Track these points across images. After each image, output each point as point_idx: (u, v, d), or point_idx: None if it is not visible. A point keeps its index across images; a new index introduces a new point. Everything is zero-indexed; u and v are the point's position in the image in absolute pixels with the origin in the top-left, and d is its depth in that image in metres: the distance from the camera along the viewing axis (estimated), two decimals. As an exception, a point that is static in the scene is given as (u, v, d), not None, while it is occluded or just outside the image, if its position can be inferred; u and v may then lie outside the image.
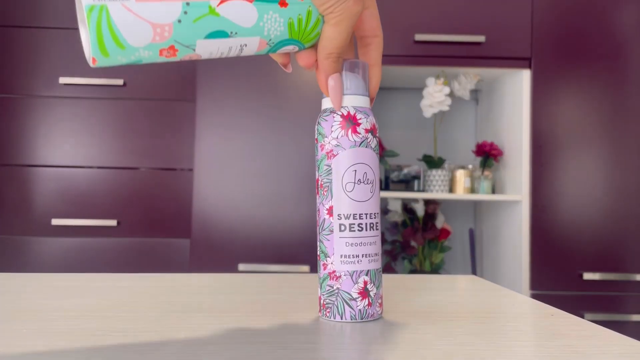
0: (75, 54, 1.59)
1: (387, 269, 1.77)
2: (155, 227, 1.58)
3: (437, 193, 1.63)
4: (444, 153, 1.93)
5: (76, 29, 1.60)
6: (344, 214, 0.40)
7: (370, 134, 0.41)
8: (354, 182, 0.40)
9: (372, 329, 0.38)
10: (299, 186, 1.55)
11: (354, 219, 0.40)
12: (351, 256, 0.40)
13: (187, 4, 0.34)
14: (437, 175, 1.66)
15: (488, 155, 1.70)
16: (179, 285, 0.57)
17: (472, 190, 1.68)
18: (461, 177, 1.66)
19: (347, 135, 0.40)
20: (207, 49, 0.37)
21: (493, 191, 1.76)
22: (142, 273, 0.73)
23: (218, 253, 1.53)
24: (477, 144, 1.74)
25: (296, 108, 1.57)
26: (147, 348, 0.33)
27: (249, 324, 0.40)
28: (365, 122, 0.41)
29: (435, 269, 1.74)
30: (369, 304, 0.41)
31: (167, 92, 1.60)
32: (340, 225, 0.40)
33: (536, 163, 1.55)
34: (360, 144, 0.40)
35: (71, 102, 1.58)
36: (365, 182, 0.40)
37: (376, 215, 0.41)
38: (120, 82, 1.58)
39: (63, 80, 1.57)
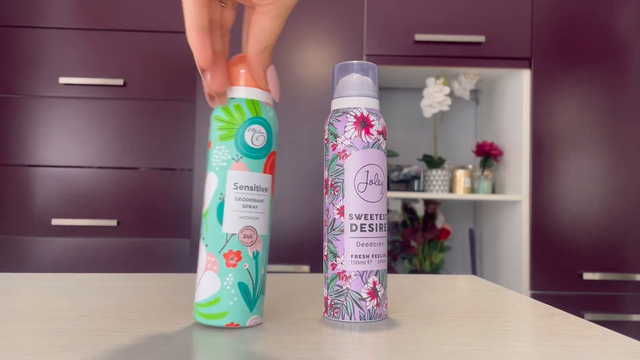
0: (75, 54, 1.59)
1: (387, 269, 1.77)
2: (155, 227, 1.58)
3: (437, 193, 1.63)
4: (444, 153, 1.93)
5: (76, 29, 1.60)
6: (355, 214, 0.40)
7: (381, 136, 0.42)
8: (366, 183, 0.41)
9: (377, 330, 0.38)
10: (299, 186, 1.55)
11: (365, 219, 0.40)
12: (362, 256, 0.40)
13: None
14: (437, 175, 1.66)
15: (488, 155, 1.70)
16: (179, 285, 0.57)
17: (472, 190, 1.68)
18: (461, 177, 1.66)
19: (360, 136, 0.41)
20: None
21: (493, 191, 1.76)
22: (142, 273, 0.73)
23: (218, 253, 1.52)
24: (477, 144, 1.74)
25: (296, 109, 1.57)
26: (147, 348, 0.33)
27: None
28: (377, 124, 0.41)
29: (435, 269, 1.74)
30: (377, 304, 0.41)
31: (167, 92, 1.60)
32: (351, 225, 0.40)
33: (536, 163, 1.55)
34: (372, 145, 0.41)
35: (71, 102, 1.58)
36: (377, 184, 0.41)
37: (384, 216, 0.42)
38: (120, 82, 1.58)
39: (63, 80, 1.57)
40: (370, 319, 0.40)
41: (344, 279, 0.40)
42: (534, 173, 1.55)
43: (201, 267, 0.38)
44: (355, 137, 0.41)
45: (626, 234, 1.54)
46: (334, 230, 0.41)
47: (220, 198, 0.38)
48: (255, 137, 0.38)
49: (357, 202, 0.40)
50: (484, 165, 1.70)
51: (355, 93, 0.42)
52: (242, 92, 0.39)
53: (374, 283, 0.41)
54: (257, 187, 0.38)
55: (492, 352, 0.33)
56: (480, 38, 1.56)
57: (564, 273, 1.53)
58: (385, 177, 0.42)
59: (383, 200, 0.42)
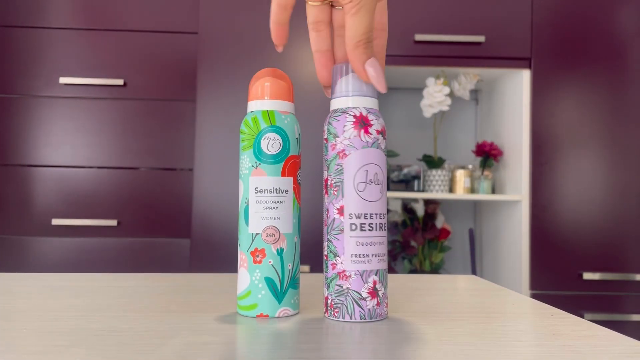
0: (75, 54, 1.59)
1: (387, 268, 1.77)
2: (155, 227, 1.58)
3: (437, 193, 1.63)
4: (444, 153, 1.93)
5: (76, 29, 1.60)
6: (355, 214, 0.40)
7: (380, 135, 0.42)
8: (366, 182, 0.41)
9: (377, 329, 0.38)
10: (299, 186, 1.54)
11: (364, 218, 0.40)
12: (362, 255, 0.40)
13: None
14: (437, 175, 1.66)
15: (488, 155, 1.70)
16: (179, 285, 0.57)
17: (472, 190, 1.68)
18: (461, 177, 1.66)
19: (359, 136, 0.41)
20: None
21: (493, 191, 1.76)
22: (142, 273, 0.73)
23: (218, 253, 1.53)
24: (477, 144, 1.74)
25: (295, 108, 1.56)
26: (147, 348, 0.33)
27: (252, 324, 0.40)
28: (377, 124, 0.41)
29: (435, 269, 1.74)
30: (378, 304, 0.41)
31: (167, 92, 1.60)
32: (351, 224, 0.40)
33: (536, 163, 1.55)
34: (371, 145, 0.41)
35: (71, 102, 1.58)
36: (376, 183, 0.41)
37: (384, 215, 0.42)
38: (120, 82, 1.58)
39: (63, 80, 1.57)
40: (371, 318, 0.40)
41: (344, 278, 0.40)
42: (534, 173, 1.55)
43: (238, 265, 0.43)
44: (354, 136, 0.41)
45: (626, 234, 1.54)
46: (333, 229, 0.41)
47: (245, 202, 0.42)
48: (271, 144, 0.42)
49: (357, 201, 0.40)
50: (484, 165, 1.70)
51: (355, 93, 0.42)
52: (259, 104, 0.43)
53: (374, 282, 0.41)
54: (277, 189, 0.42)
55: (492, 352, 0.33)
56: (480, 38, 1.56)
57: (563, 273, 1.53)
58: (385, 177, 0.42)
59: (383, 199, 0.42)
